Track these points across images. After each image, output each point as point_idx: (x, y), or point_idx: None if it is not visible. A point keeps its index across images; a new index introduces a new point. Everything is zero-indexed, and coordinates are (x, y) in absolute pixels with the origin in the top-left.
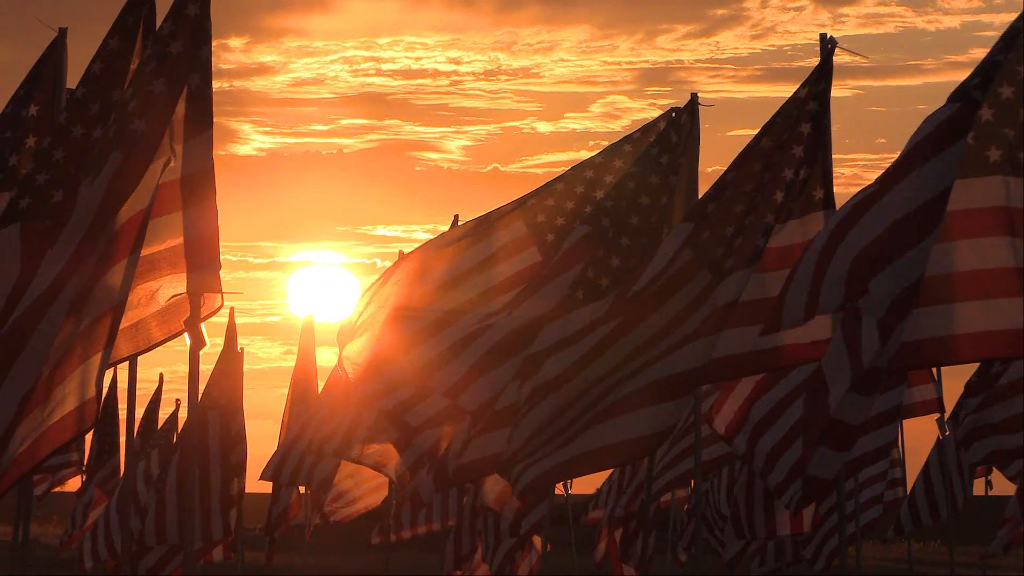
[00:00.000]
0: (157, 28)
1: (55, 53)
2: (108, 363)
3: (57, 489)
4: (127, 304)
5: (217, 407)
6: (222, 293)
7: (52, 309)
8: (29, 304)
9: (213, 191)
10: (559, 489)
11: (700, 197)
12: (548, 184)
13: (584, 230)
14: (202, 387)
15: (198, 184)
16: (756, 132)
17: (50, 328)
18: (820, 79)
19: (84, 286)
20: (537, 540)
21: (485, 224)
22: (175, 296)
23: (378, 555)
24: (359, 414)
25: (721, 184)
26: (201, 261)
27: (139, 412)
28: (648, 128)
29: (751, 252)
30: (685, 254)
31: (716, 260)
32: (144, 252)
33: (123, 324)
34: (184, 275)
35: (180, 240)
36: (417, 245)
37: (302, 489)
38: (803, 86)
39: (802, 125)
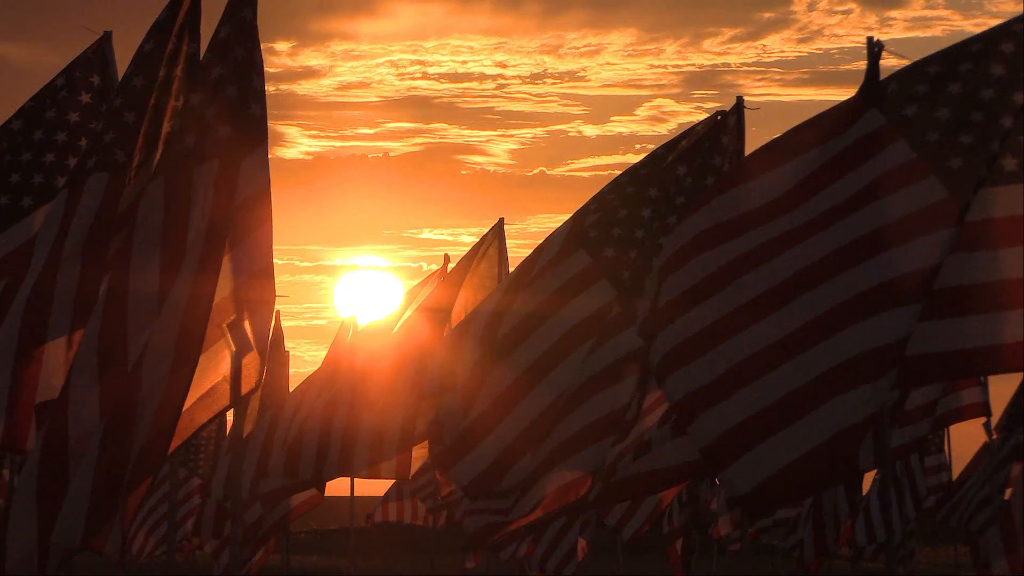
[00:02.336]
0: (214, 33)
1: (99, 57)
2: (188, 434)
3: None
4: (200, 370)
5: (270, 409)
6: (274, 296)
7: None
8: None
9: (270, 215)
10: None
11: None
12: (600, 200)
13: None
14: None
15: (256, 209)
16: None
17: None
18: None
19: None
20: (582, 542)
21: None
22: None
23: (423, 558)
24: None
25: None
26: (252, 265)
27: None
28: (689, 133)
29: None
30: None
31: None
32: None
33: (201, 391)
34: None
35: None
36: (463, 248)
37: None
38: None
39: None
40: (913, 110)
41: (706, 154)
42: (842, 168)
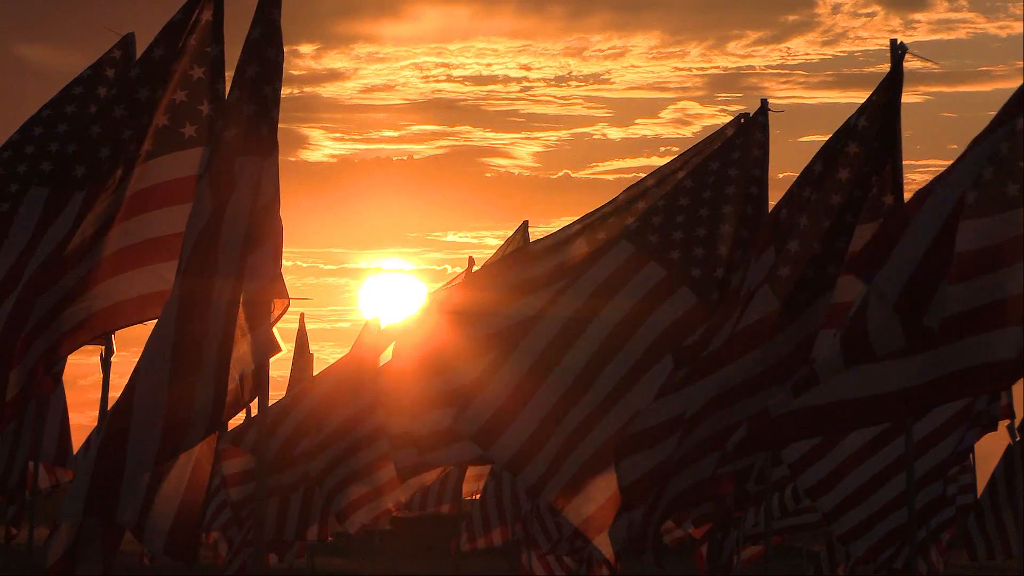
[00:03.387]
0: (248, 33)
1: (123, 58)
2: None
3: None
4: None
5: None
6: (288, 297)
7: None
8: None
9: (277, 193)
10: None
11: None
12: (630, 200)
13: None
14: (273, 393)
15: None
16: (825, 137)
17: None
18: (890, 85)
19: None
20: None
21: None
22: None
23: (448, 559)
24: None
25: (790, 194)
26: (268, 268)
27: None
28: (715, 137)
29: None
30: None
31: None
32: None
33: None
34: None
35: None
36: (488, 251)
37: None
38: (874, 93)
39: (865, 133)
40: None
41: (734, 157)
42: None
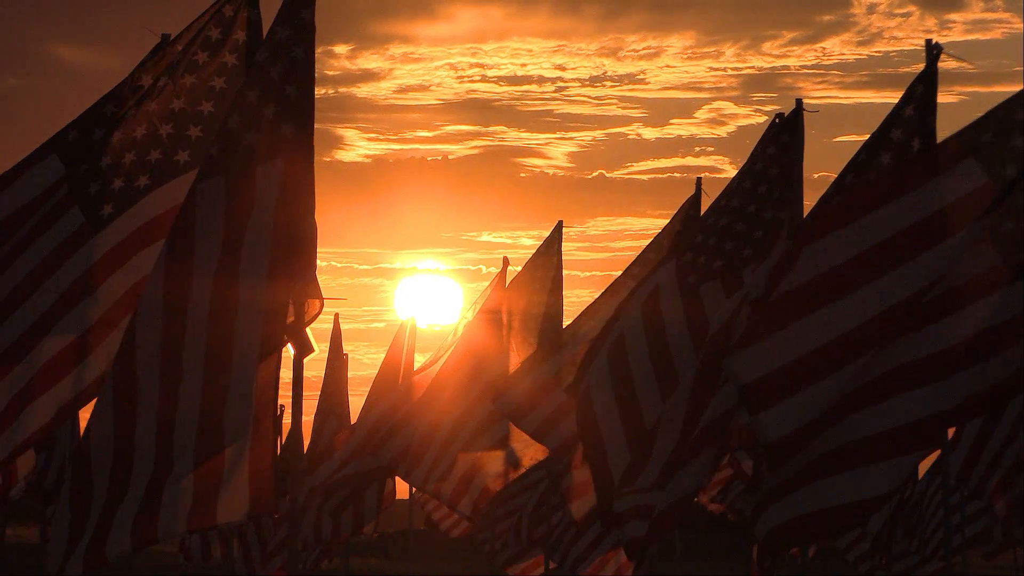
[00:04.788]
0: (269, 33)
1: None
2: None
3: None
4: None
5: (331, 412)
6: (322, 297)
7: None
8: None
9: (312, 192)
10: None
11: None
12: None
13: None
14: (306, 394)
15: (298, 185)
16: (861, 138)
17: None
18: (922, 85)
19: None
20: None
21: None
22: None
23: (483, 560)
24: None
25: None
26: (301, 267)
27: None
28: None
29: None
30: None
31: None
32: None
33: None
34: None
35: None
36: (523, 251)
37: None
38: (906, 94)
39: (895, 132)
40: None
41: (768, 156)
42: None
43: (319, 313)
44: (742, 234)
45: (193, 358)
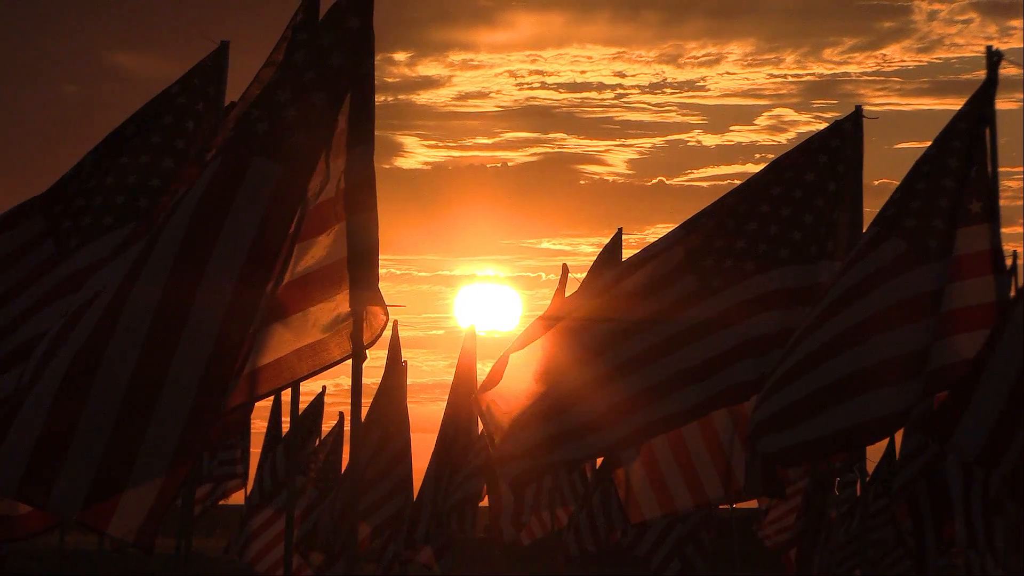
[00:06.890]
0: (310, 37)
1: (216, 66)
2: (286, 383)
3: (221, 502)
4: (308, 324)
5: (383, 420)
6: (385, 306)
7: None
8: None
9: (374, 203)
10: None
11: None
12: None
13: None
14: (365, 400)
15: (359, 196)
16: (921, 144)
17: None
18: (985, 92)
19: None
20: None
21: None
22: (349, 316)
23: (538, 564)
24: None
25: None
26: (363, 275)
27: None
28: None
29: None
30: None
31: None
32: (315, 270)
33: (303, 343)
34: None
35: (344, 256)
36: (582, 259)
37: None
38: (969, 101)
39: (957, 139)
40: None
41: (825, 162)
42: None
43: (385, 325)
44: (776, 237)
45: (186, 356)
